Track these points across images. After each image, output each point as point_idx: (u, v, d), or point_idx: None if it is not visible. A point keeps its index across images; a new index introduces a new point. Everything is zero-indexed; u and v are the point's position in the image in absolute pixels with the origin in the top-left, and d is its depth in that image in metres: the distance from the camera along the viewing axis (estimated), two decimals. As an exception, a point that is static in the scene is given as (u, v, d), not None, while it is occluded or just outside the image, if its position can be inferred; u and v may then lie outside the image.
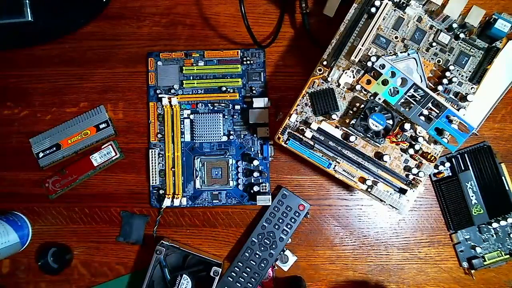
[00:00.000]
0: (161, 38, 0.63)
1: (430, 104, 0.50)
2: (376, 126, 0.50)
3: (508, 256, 0.59)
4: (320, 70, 0.53)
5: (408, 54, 0.53)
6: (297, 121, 0.53)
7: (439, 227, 0.61)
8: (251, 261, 0.59)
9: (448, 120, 0.50)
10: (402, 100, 0.50)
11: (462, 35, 0.52)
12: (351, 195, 0.62)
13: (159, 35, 0.63)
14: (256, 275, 0.59)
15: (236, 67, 0.61)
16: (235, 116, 0.62)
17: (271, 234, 0.59)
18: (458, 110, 0.52)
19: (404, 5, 0.52)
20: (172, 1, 0.63)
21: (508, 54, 0.54)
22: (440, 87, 0.52)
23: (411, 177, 0.52)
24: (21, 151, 0.63)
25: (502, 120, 0.61)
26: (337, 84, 0.53)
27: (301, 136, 0.53)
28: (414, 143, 0.51)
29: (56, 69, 0.64)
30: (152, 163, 0.61)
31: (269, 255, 0.59)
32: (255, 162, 0.60)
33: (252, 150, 0.61)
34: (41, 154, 0.62)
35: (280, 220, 0.59)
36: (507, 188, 0.58)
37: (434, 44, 0.53)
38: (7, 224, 0.59)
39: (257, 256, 0.59)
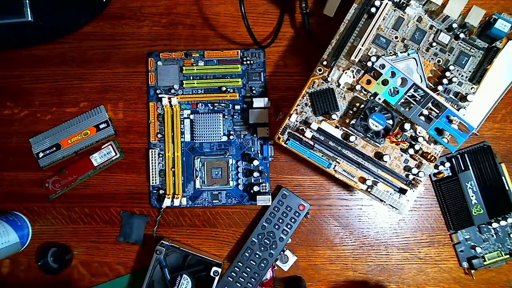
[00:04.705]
0: (161, 38, 0.63)
1: (430, 104, 0.50)
2: (376, 126, 0.50)
3: (508, 256, 0.59)
4: (320, 70, 0.53)
5: (408, 54, 0.53)
6: (297, 121, 0.53)
7: (439, 227, 0.61)
8: (251, 261, 0.59)
9: (448, 120, 0.50)
10: (402, 100, 0.50)
11: (462, 35, 0.52)
12: (351, 195, 0.62)
13: (159, 35, 0.63)
14: (256, 275, 0.59)
15: (236, 67, 0.61)
16: (235, 116, 0.62)
17: (271, 234, 0.59)
18: (458, 110, 0.52)
19: (404, 5, 0.52)
20: (172, 1, 0.63)
21: (508, 54, 0.54)
22: (440, 87, 0.52)
23: (411, 177, 0.52)
24: (21, 151, 0.63)
25: (502, 120, 0.61)
26: (337, 84, 0.53)
27: (301, 136, 0.53)
28: (414, 143, 0.51)
29: (56, 69, 0.64)
30: (152, 163, 0.61)
31: (269, 255, 0.59)
32: (255, 162, 0.60)
33: (252, 150, 0.61)
34: (41, 154, 0.62)
35: (280, 220, 0.59)
36: (507, 188, 0.58)
37: (434, 44, 0.53)
38: (7, 224, 0.59)
39: (257, 256, 0.59)
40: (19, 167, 0.64)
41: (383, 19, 0.52)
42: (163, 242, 0.58)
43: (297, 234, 0.62)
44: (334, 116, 0.52)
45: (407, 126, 0.50)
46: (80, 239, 0.63)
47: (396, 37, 0.53)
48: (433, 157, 0.52)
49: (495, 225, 0.59)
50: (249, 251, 0.59)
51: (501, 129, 0.61)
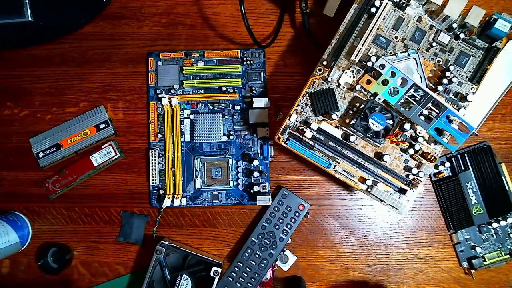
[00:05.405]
0: (161, 38, 0.63)
1: (430, 104, 0.50)
2: (376, 126, 0.50)
3: (508, 256, 0.59)
4: (320, 70, 0.53)
5: (408, 54, 0.53)
6: (297, 121, 0.53)
7: (439, 227, 0.61)
8: (251, 261, 0.59)
9: (448, 120, 0.50)
10: (402, 100, 0.50)
11: (462, 35, 0.52)
12: (351, 195, 0.62)
13: (159, 35, 0.63)
14: (256, 275, 0.59)
15: (236, 67, 0.61)
16: (235, 116, 0.62)
17: (271, 234, 0.59)
18: (458, 110, 0.52)
19: (404, 5, 0.52)
20: (172, 1, 0.63)
21: (508, 54, 0.54)
22: (440, 87, 0.52)
23: (411, 177, 0.52)
24: (21, 151, 0.63)
25: (502, 120, 0.61)
26: (337, 84, 0.53)
27: (301, 136, 0.53)
28: (414, 143, 0.51)
29: (56, 69, 0.64)
30: (152, 163, 0.61)
31: (269, 255, 0.59)
32: (255, 162, 0.60)
33: (252, 150, 0.61)
34: (41, 154, 0.62)
35: (280, 220, 0.59)
36: (507, 188, 0.58)
37: (434, 44, 0.53)
38: (7, 224, 0.59)
39: (257, 256, 0.59)
40: (19, 167, 0.64)
41: (383, 19, 0.52)
42: (163, 242, 0.58)
43: (297, 234, 0.62)
44: (334, 116, 0.52)
45: (407, 126, 0.50)
46: (80, 239, 0.63)
47: (396, 37, 0.53)
48: (433, 157, 0.52)
49: (495, 225, 0.59)
50: (249, 251, 0.59)
51: (501, 129, 0.61)
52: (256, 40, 0.57)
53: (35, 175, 0.63)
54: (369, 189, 0.52)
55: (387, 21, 0.53)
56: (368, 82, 0.51)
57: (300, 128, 0.53)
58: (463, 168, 0.59)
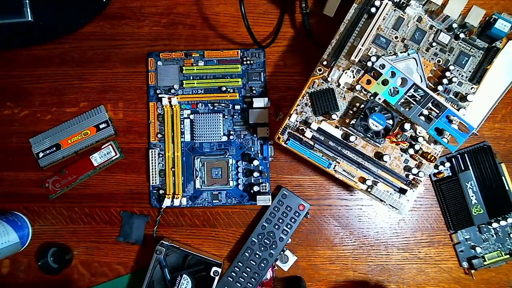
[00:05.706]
0: (161, 38, 0.63)
1: (430, 104, 0.50)
2: (376, 126, 0.50)
3: (508, 256, 0.59)
4: (320, 70, 0.53)
5: (408, 54, 0.53)
6: (297, 121, 0.53)
7: (439, 227, 0.61)
8: (251, 261, 0.59)
9: (448, 120, 0.50)
10: (402, 100, 0.50)
11: (462, 35, 0.52)
12: (351, 195, 0.62)
13: (159, 35, 0.63)
14: (256, 275, 0.59)
15: (236, 67, 0.61)
16: (235, 116, 0.62)
17: (271, 234, 0.59)
18: (458, 110, 0.52)
19: (404, 5, 0.52)
20: (172, 1, 0.63)
21: (508, 54, 0.54)
22: (440, 87, 0.52)
23: (411, 177, 0.52)
24: (21, 151, 0.63)
25: (502, 120, 0.61)
26: (337, 84, 0.53)
27: (301, 136, 0.53)
28: (414, 143, 0.51)
29: (56, 69, 0.64)
30: (152, 163, 0.61)
31: (269, 255, 0.59)
32: (255, 162, 0.60)
33: (252, 150, 0.61)
34: (41, 154, 0.62)
35: (280, 220, 0.59)
36: (507, 188, 0.58)
37: (434, 44, 0.53)
38: (7, 224, 0.59)
39: (257, 256, 0.59)
40: (19, 167, 0.64)
41: (383, 19, 0.52)
42: (163, 242, 0.58)
43: (297, 234, 0.62)
44: (334, 116, 0.52)
45: (407, 126, 0.50)
46: (80, 239, 0.63)
47: (396, 37, 0.53)
48: (433, 157, 0.52)
49: (495, 225, 0.59)
50: (249, 251, 0.59)
51: (501, 129, 0.61)
52: (256, 40, 0.57)
53: (35, 175, 0.63)
54: (369, 189, 0.52)
55: (387, 21, 0.53)
56: (368, 82, 0.51)
57: (300, 128, 0.53)
58: (463, 168, 0.59)
